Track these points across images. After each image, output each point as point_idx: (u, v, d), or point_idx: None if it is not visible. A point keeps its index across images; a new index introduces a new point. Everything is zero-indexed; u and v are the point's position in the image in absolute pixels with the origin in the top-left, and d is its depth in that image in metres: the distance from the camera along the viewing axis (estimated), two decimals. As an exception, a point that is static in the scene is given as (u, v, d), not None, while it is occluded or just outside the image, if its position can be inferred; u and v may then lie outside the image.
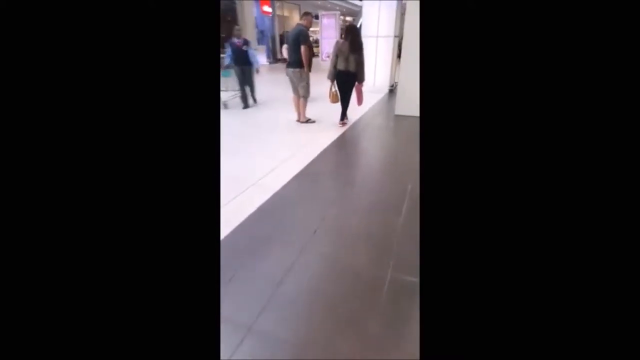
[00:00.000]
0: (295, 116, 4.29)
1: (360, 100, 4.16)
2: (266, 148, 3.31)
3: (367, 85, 4.20)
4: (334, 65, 3.76)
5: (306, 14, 3.94)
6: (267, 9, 12.88)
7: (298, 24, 3.88)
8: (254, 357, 1.15)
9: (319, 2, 14.34)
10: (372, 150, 3.52)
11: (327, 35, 9.85)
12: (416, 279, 1.49)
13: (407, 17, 4.27)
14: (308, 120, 4.24)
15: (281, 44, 13.76)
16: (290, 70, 3.95)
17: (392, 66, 6.45)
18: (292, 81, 4.05)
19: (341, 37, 3.85)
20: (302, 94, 4.04)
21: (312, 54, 3.95)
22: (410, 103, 4.43)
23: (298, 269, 1.56)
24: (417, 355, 1.00)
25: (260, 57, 12.77)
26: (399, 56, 5.07)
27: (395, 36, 6.14)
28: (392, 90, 6.46)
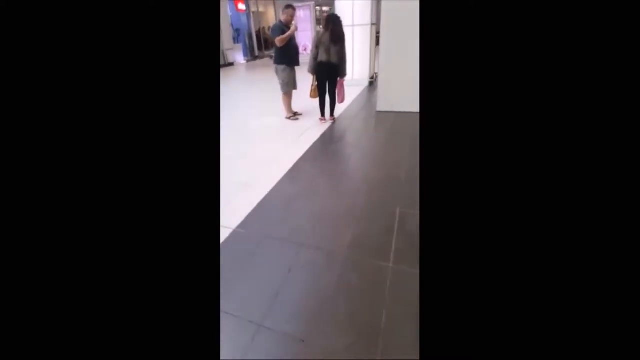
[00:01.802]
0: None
1: (341, 97, 3.81)
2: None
3: (346, 78, 3.89)
4: (314, 57, 3.48)
5: (286, 7, 3.64)
6: (241, 6, 12.37)
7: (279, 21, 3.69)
8: None
9: (294, -6, 13.66)
10: (345, 170, 3.12)
11: (302, 27, 9.34)
12: None
13: (383, 2, 3.87)
14: (295, 113, 4.07)
15: (258, 40, 13.26)
16: (275, 66, 3.81)
17: (371, 56, 6.05)
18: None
19: (321, 28, 3.56)
20: (281, 89, 3.85)
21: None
22: (392, 98, 4.12)
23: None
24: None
25: (237, 56, 12.40)
26: (377, 44, 4.68)
27: (372, 24, 5.73)
28: (372, 83, 6.07)
